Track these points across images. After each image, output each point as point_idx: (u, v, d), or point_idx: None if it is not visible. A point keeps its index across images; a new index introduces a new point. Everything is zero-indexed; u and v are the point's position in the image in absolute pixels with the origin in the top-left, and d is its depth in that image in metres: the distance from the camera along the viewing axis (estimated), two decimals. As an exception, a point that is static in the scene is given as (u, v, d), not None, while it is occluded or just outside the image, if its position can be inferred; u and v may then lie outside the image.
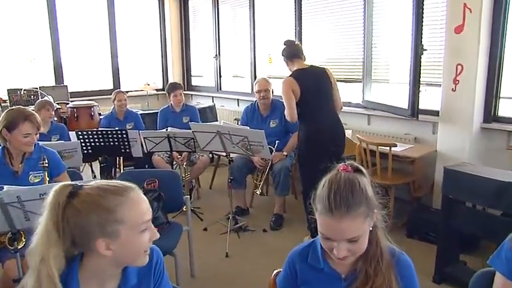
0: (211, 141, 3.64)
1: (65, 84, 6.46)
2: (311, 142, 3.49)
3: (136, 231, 1.16)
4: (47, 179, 2.45)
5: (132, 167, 4.78)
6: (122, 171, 4.47)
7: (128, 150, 4.11)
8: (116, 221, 1.13)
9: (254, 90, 4.40)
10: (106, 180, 1.20)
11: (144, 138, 4.03)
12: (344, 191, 1.22)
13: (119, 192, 1.16)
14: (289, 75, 3.51)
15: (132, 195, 1.18)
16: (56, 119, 4.83)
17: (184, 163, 4.42)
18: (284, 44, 3.65)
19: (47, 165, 2.45)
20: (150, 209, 1.22)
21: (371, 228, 1.29)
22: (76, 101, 5.95)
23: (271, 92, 4.36)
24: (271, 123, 4.40)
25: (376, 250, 1.32)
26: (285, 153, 4.21)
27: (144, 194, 2.93)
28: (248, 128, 3.75)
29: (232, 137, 3.54)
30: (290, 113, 3.42)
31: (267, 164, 4.17)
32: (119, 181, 1.21)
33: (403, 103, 4.01)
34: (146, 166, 4.57)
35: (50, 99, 4.97)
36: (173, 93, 4.90)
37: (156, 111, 5.55)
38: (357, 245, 1.24)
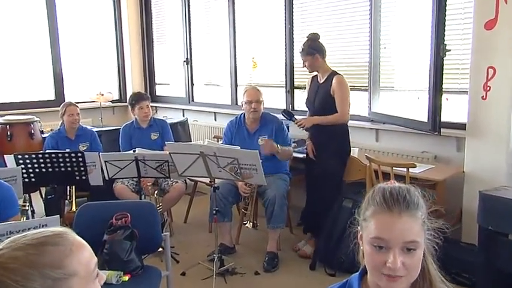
0: (193, 165, 3.56)
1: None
2: (348, 140, 4.22)
3: (91, 279, 1.12)
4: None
5: (86, 198, 4.59)
6: (74, 203, 4.28)
7: (84, 178, 3.98)
8: (67, 276, 1.06)
9: (242, 101, 4.36)
10: (21, 235, 1.08)
11: (105, 162, 3.89)
12: (400, 190, 1.32)
13: (54, 242, 1.07)
14: (338, 74, 4.04)
15: (72, 239, 1.11)
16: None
17: (155, 192, 4.30)
18: (313, 38, 4.10)
19: (27, 208, 2.29)
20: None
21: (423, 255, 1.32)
22: (6, 114, 5.67)
23: (262, 104, 4.33)
24: (259, 140, 4.35)
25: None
26: (278, 146, 4.18)
27: (113, 231, 2.81)
28: (239, 147, 3.69)
29: (219, 159, 3.47)
30: (348, 112, 4.04)
31: (252, 189, 4.11)
32: (42, 229, 1.10)
33: (421, 115, 4.00)
34: (105, 197, 4.40)
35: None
36: (138, 105, 4.77)
37: (114, 128, 5.40)
38: (412, 259, 1.27)
